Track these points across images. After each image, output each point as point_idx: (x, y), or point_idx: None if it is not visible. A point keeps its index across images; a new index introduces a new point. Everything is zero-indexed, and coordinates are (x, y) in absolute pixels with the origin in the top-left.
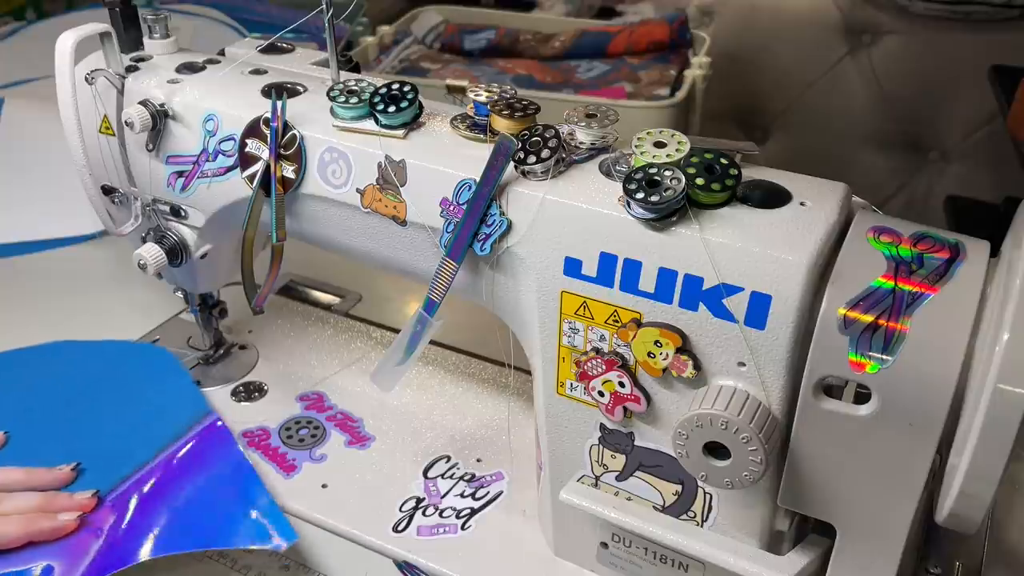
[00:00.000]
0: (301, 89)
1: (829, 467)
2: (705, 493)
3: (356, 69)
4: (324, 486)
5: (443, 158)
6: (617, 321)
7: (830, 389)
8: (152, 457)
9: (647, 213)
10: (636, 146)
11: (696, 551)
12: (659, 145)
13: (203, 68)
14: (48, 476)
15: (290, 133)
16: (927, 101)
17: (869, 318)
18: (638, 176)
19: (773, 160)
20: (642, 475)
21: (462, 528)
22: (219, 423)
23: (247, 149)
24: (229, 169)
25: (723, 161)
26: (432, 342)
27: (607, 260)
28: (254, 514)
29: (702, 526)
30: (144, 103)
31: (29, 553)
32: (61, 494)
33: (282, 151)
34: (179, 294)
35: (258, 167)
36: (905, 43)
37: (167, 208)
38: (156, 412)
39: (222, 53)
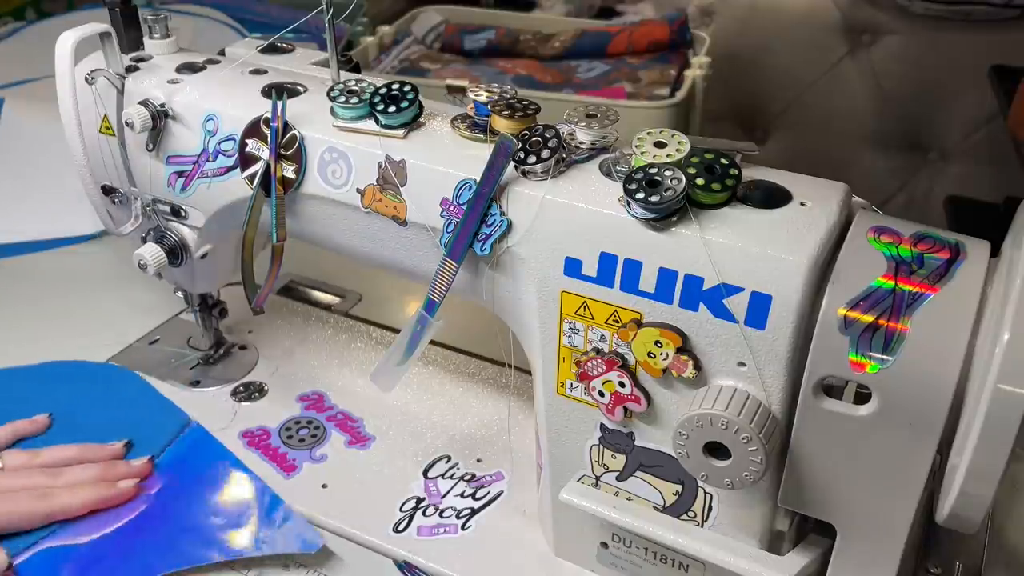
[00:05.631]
0: (301, 89)
1: (829, 467)
2: (705, 493)
3: (356, 69)
4: (324, 486)
5: (443, 158)
6: (617, 321)
7: (830, 389)
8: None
9: (647, 213)
10: (636, 146)
11: (696, 551)
12: (659, 145)
13: (203, 68)
14: (102, 451)
15: (290, 133)
16: (927, 101)
17: (869, 318)
18: (638, 176)
19: (773, 160)
20: (642, 475)
21: (462, 528)
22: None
23: (247, 149)
24: (229, 169)
25: (723, 161)
26: (432, 342)
27: (607, 260)
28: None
29: (702, 526)
30: (144, 103)
31: (93, 521)
32: (119, 462)
33: (282, 151)
34: (179, 294)
35: (258, 167)
36: (905, 43)
37: (167, 208)
38: (137, 426)
39: (222, 53)
